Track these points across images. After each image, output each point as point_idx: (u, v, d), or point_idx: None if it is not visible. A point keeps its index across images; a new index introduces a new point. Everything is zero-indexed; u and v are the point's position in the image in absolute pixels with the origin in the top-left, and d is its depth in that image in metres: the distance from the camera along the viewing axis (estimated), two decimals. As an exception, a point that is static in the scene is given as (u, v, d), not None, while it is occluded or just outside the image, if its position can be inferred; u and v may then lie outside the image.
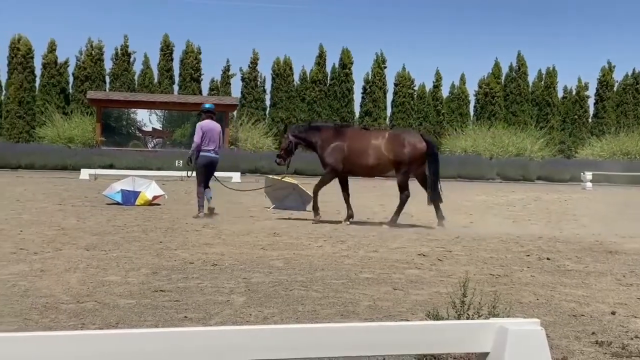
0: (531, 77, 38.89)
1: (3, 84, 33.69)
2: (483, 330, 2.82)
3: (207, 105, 12.20)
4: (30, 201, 13.54)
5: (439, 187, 10.97)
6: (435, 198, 10.89)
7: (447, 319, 4.20)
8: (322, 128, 11.91)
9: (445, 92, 38.19)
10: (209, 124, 11.70)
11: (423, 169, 11.06)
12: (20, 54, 33.06)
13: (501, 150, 33.90)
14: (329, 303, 5.23)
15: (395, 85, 37.03)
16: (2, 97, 33.52)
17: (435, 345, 2.80)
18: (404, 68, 37.26)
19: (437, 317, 4.27)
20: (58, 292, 5.33)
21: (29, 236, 8.43)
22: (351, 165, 11.26)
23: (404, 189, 11.15)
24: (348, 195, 11.49)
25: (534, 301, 5.56)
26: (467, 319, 4.20)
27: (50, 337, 2.33)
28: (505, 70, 38.76)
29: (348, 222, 11.05)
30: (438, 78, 37.78)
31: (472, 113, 38.51)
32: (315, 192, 11.49)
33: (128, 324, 4.42)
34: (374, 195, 18.67)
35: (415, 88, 37.32)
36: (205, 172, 11.64)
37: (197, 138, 11.58)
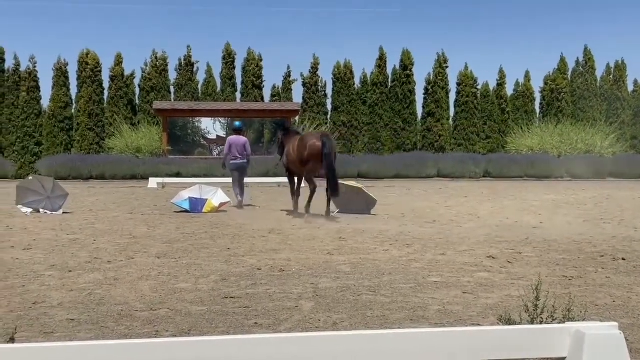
0: (599, 72, 37.75)
1: (73, 98, 34.88)
2: (559, 335, 2.74)
3: (236, 124, 16.05)
4: (102, 211, 13.97)
5: (335, 183, 11.94)
6: (334, 193, 12.05)
7: (520, 323, 4.11)
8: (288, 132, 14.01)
9: (509, 90, 37.45)
10: (235, 139, 15.11)
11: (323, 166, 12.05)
12: (89, 68, 34.15)
13: (569, 147, 32.96)
14: (398, 308, 5.19)
15: (458, 84, 36.49)
16: (73, 111, 34.70)
17: (510, 351, 2.74)
18: (466, 67, 36.67)
19: (509, 322, 4.17)
20: (132, 299, 5.47)
21: (102, 245, 8.69)
22: (291, 166, 13.11)
23: (310, 183, 12.44)
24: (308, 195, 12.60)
25: (610, 303, 5.38)
26: (541, 323, 4.10)
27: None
28: (571, 65, 37.74)
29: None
30: (502, 76, 37.00)
31: (538, 110, 37.62)
32: (291, 194, 13.55)
33: (200, 330, 4.50)
34: (441, 197, 18.48)
35: (479, 87, 36.68)
36: (236, 174, 14.94)
37: (225, 150, 15.20)
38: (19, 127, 33.61)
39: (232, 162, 14.95)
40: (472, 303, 5.36)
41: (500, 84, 37.17)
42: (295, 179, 13.36)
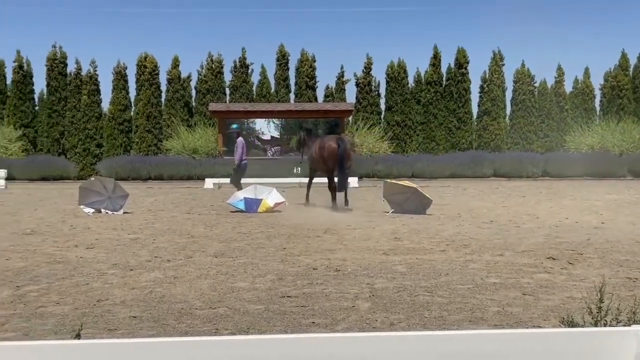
0: (663, 67, 36.46)
1: (132, 101, 35.68)
2: (624, 338, 2.66)
3: (234, 126, 18.05)
4: (161, 211, 14.25)
5: (345, 180, 13.94)
6: (340, 188, 13.78)
7: (582, 325, 4.01)
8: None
9: (568, 87, 36.56)
10: (243, 140, 16.09)
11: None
12: (147, 71, 34.87)
13: (632, 145, 31.92)
14: (456, 309, 5.13)
15: (515, 82, 35.78)
16: (132, 113, 35.50)
17: (573, 354, 2.68)
18: (523, 64, 35.98)
19: (572, 324, 4.08)
20: (191, 298, 5.56)
21: (161, 244, 8.87)
22: (315, 165, 14.72)
23: (331, 181, 14.02)
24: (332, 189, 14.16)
25: (678, 307, 5.19)
26: (605, 325, 3.99)
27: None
28: (633, 61, 36.56)
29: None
30: (560, 73, 36.12)
31: (598, 108, 36.58)
32: (307, 188, 15.40)
33: (258, 329, 4.55)
34: (498, 197, 18.19)
35: (536, 84, 35.91)
36: (244, 173, 16.04)
37: (241, 151, 15.85)
38: (81, 130, 34.58)
39: (244, 162, 16.01)
40: (532, 305, 5.26)
41: (559, 81, 36.32)
42: (324, 179, 14.68)
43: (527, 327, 4.52)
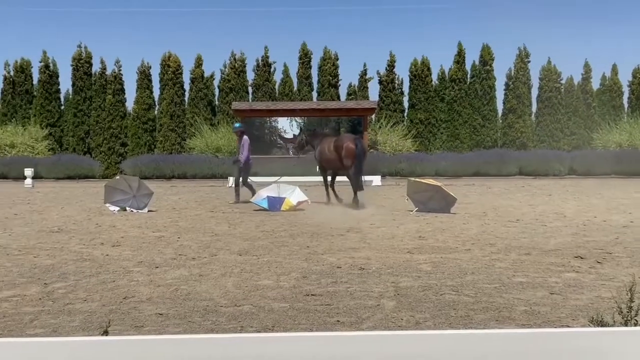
0: (692, 63, 35.85)
1: (156, 100, 35.93)
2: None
3: (237, 125, 17.41)
4: (185, 209, 14.33)
5: (361, 178, 14.12)
6: (356, 187, 13.95)
7: (612, 325, 3.95)
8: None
9: (595, 84, 36.04)
10: (247, 139, 16.17)
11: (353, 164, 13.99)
12: (170, 71, 35.09)
13: (661, 143, 31.45)
14: (482, 308, 5.08)
15: (541, 79, 35.36)
16: (156, 112, 35.75)
17: (602, 354, 2.63)
18: (549, 61, 35.57)
19: (601, 324, 4.01)
20: (216, 295, 5.58)
21: (186, 242, 8.92)
22: (325, 163, 14.88)
23: (348, 177, 14.30)
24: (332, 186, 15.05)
25: None
26: (635, 325, 3.93)
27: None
28: (661, 57, 36.06)
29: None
30: (587, 70, 35.64)
31: (626, 105, 36.05)
32: (325, 188, 15.23)
33: (283, 327, 4.54)
34: (524, 195, 18.02)
35: (563, 81, 35.49)
36: (249, 173, 16.12)
37: (248, 151, 16.05)
38: (106, 129, 34.92)
39: (250, 162, 16.17)
40: (560, 304, 5.19)
41: (586, 78, 35.84)
42: (329, 177, 15.13)
43: (556, 327, 4.46)
